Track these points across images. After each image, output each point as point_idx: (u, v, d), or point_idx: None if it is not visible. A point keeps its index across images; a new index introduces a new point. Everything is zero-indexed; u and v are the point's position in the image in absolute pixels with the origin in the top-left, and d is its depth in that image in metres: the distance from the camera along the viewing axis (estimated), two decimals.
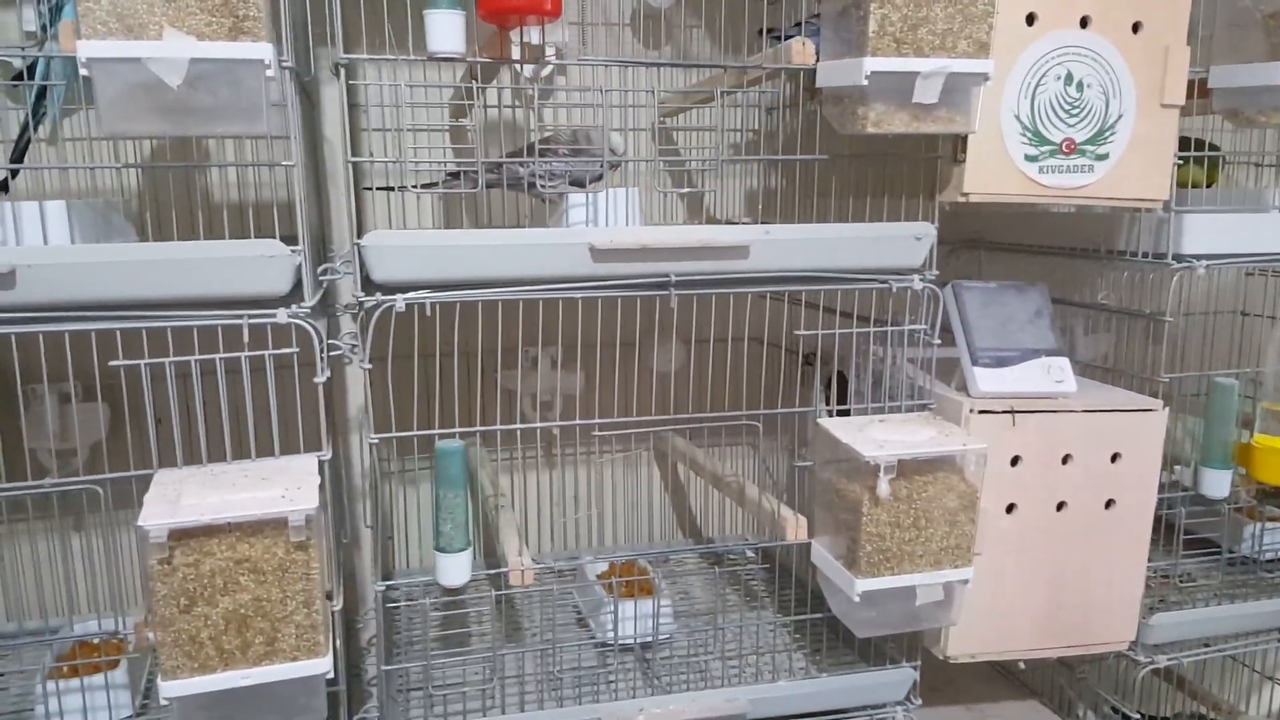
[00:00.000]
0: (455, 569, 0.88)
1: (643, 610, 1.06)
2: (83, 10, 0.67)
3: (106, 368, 0.79)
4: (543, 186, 0.94)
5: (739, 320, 1.01)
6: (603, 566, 1.18)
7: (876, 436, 0.91)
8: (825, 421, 0.95)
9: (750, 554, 1.29)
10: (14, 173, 0.87)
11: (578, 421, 0.92)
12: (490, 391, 1.18)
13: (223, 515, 0.73)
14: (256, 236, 0.81)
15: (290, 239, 0.82)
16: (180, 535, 0.73)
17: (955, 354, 1.05)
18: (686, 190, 1.05)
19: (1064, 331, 1.23)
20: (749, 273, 0.90)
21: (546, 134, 0.97)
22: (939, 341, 0.98)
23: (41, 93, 0.84)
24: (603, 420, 0.92)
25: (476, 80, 0.93)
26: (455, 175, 0.98)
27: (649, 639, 1.06)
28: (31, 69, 0.86)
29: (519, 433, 0.96)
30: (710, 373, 1.06)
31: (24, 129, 0.85)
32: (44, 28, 0.83)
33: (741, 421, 0.95)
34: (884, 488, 0.88)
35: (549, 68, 1.15)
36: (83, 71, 0.68)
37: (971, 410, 0.98)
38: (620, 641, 1.04)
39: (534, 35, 0.89)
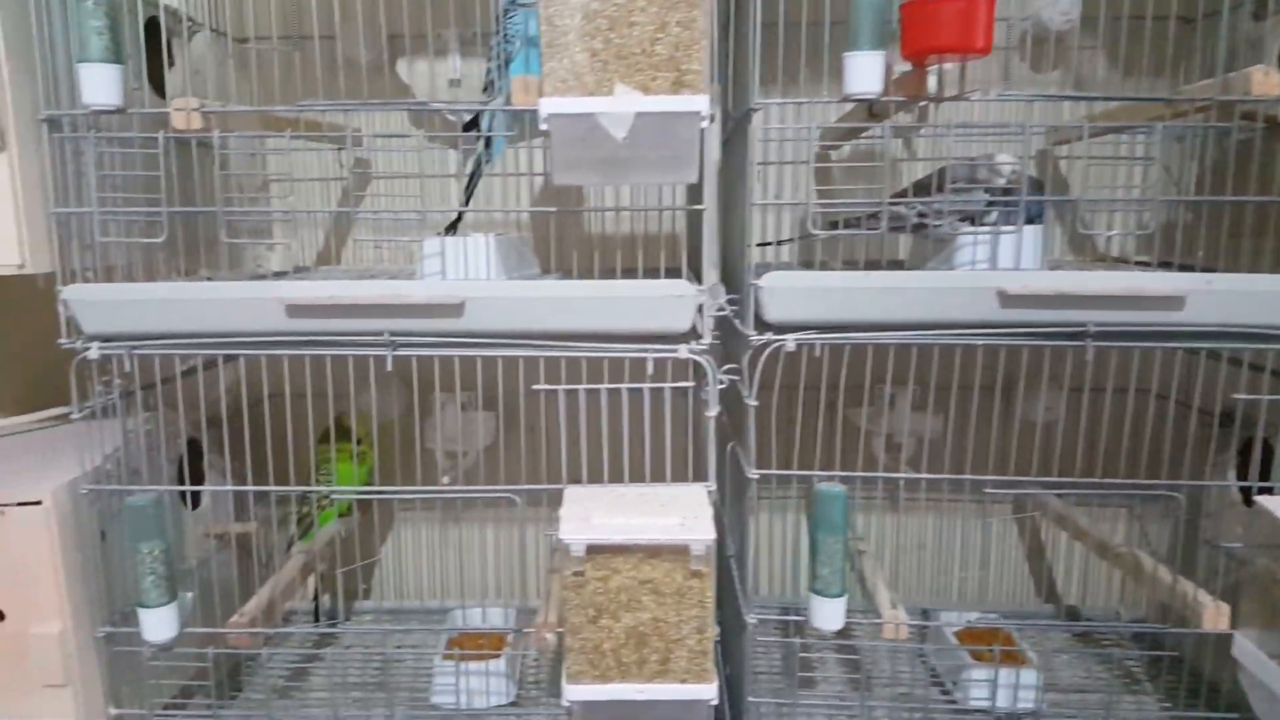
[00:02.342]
0: (831, 614, 0.87)
1: (1009, 680, 0.98)
2: (547, 70, 0.74)
3: (527, 389, 0.87)
4: (933, 226, 0.91)
5: (1144, 372, 0.91)
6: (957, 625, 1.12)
7: None
8: (1268, 501, 0.83)
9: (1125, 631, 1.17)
10: (460, 215, 0.99)
11: (969, 476, 0.88)
12: (849, 430, 1.17)
13: (633, 538, 0.78)
14: (645, 267, 0.85)
15: (673, 270, 0.85)
16: (593, 551, 0.78)
17: None
18: (1116, 233, 0.97)
19: None
20: (1180, 326, 0.81)
21: (941, 167, 0.93)
22: None
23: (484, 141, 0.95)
24: (996, 478, 0.87)
25: (889, 118, 0.91)
26: (846, 222, 0.97)
27: (1017, 712, 0.98)
28: (475, 121, 0.97)
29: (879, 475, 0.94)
30: (1102, 428, 0.96)
31: (472, 176, 0.96)
32: (492, 83, 0.93)
33: (1159, 493, 0.85)
34: None
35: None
36: (543, 126, 0.75)
37: None
38: (985, 710, 0.97)
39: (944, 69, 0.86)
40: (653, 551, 0.78)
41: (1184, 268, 0.93)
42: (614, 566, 0.78)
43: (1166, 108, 0.89)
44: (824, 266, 0.92)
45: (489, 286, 0.87)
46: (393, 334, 0.86)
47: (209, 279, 1.09)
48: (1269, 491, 0.91)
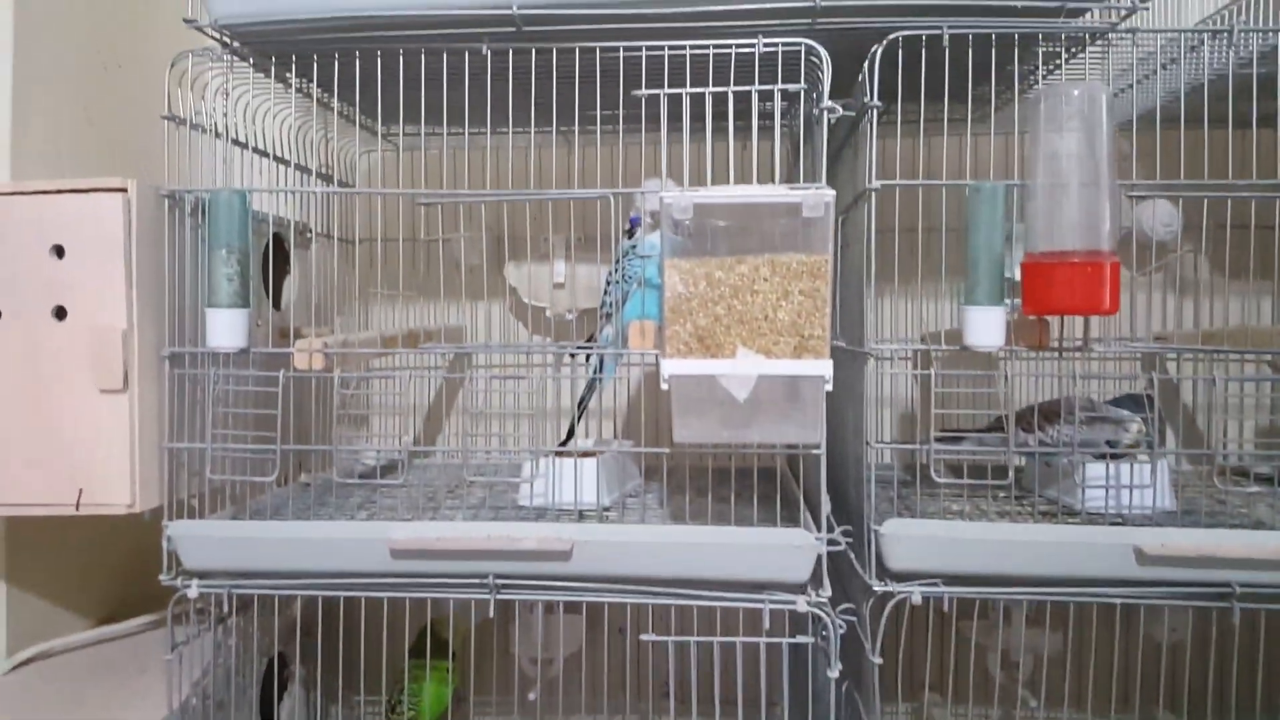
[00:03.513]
0: None
1: None
2: (669, 333, 0.74)
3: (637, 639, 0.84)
4: (1060, 458, 0.88)
5: None
6: None
7: None
8: None
9: None
10: (571, 432, 1.00)
11: None
12: (964, 644, 1.11)
13: None
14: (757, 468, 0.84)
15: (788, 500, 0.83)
16: None
17: None
18: (1255, 490, 0.93)
19: None
20: None
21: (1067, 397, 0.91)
22: None
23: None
24: None
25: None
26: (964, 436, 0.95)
27: None
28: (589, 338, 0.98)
29: None
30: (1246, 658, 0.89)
31: (584, 398, 0.97)
32: (608, 315, 0.94)
33: None
34: None
35: None
36: (664, 386, 0.74)
37: None
38: None
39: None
40: None
41: None
42: None
43: None
44: (932, 476, 0.89)
45: (598, 530, 0.85)
46: (498, 576, 0.85)
47: (308, 484, 1.10)
48: None
